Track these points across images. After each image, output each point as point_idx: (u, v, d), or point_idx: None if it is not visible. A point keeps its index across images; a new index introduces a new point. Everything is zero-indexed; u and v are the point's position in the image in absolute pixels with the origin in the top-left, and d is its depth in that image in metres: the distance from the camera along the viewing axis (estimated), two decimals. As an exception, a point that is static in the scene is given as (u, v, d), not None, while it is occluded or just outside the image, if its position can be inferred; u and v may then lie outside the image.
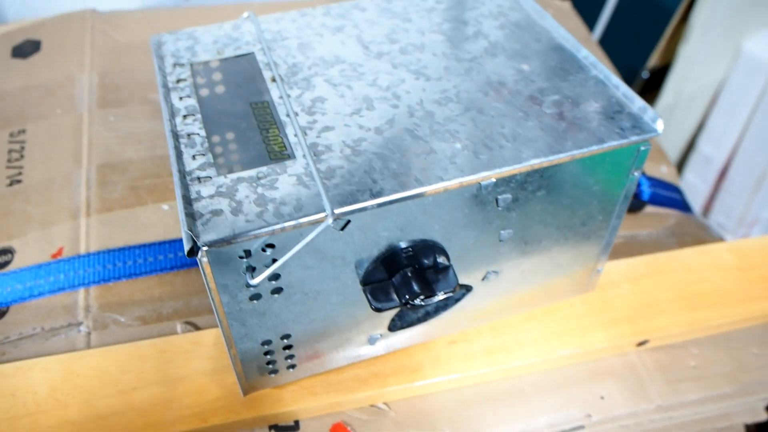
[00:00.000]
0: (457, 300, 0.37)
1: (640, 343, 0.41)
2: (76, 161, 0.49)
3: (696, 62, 0.92)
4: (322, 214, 0.27)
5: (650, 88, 0.96)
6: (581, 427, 0.40)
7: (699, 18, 0.88)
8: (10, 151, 0.51)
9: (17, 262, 0.44)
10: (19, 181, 0.48)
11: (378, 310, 0.32)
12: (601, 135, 0.31)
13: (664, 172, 0.58)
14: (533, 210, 0.33)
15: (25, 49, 0.59)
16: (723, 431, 0.53)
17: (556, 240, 0.36)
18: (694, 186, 1.12)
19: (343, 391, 0.37)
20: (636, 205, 0.52)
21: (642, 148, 0.32)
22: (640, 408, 0.41)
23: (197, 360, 0.37)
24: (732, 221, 1.11)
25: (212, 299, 0.29)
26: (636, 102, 0.33)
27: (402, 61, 0.36)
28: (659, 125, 0.32)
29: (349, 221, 0.28)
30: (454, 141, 0.31)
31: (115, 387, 0.36)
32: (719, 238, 0.53)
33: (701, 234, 0.54)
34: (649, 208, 0.54)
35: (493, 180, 0.30)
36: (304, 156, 0.30)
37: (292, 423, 0.37)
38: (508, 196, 0.31)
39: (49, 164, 0.49)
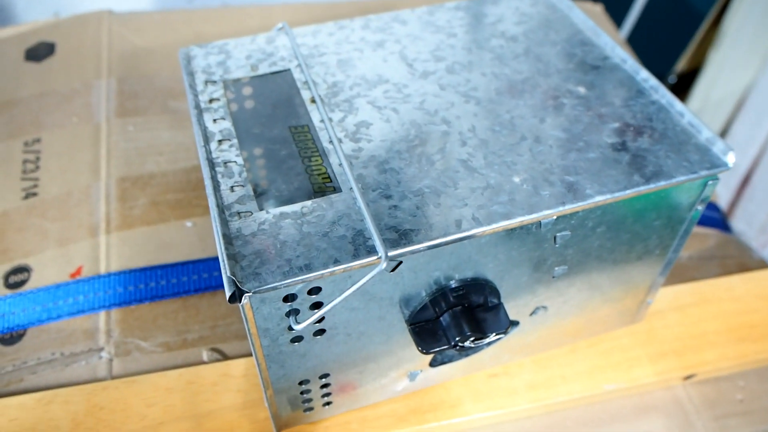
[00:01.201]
0: (503, 335, 0.35)
1: (687, 377, 0.40)
2: (94, 174, 0.47)
3: (725, 68, 0.90)
4: (374, 257, 0.25)
5: (677, 93, 0.94)
6: (625, 465, 0.39)
7: (732, 23, 0.86)
8: (24, 162, 0.48)
9: (34, 282, 0.42)
10: (34, 194, 0.46)
11: (425, 352, 0.30)
12: (668, 169, 0.29)
13: (702, 188, 0.56)
14: (591, 246, 0.31)
15: (39, 51, 0.56)
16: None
17: (610, 274, 0.34)
18: (716, 193, 1.10)
19: (379, 427, 0.35)
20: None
21: (710, 182, 0.30)
22: (686, 446, 0.39)
23: (227, 393, 0.36)
24: (753, 229, 1.08)
25: (252, 342, 0.27)
26: (703, 132, 0.31)
27: (449, 81, 0.34)
28: (730, 159, 0.30)
29: (400, 262, 0.26)
30: (511, 174, 0.29)
31: (141, 421, 0.34)
32: (761, 260, 0.51)
33: (743, 257, 0.51)
34: (688, 228, 0.52)
35: (554, 218, 0.28)
36: (351, 189, 0.28)
37: (325, 460, 0.35)
38: (567, 233, 0.29)
39: (66, 176, 0.47)
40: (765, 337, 0.41)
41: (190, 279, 0.42)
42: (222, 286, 0.42)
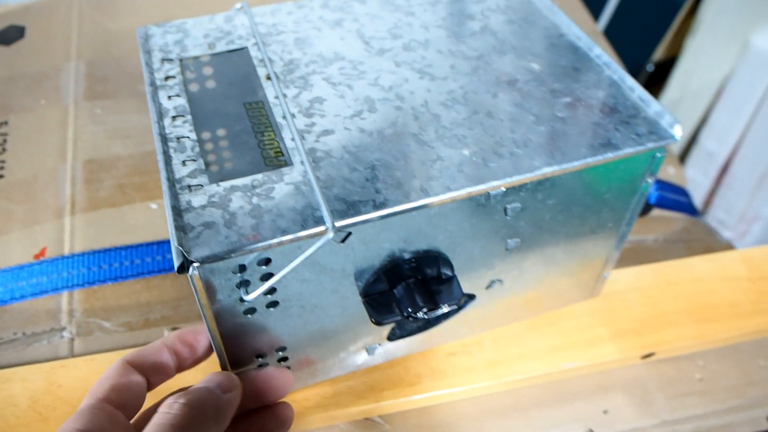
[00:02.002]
0: (460, 309, 0.35)
1: (646, 356, 0.40)
2: (61, 156, 0.47)
3: (702, 56, 0.90)
4: (322, 228, 0.26)
5: (655, 82, 0.94)
6: (583, 442, 0.39)
7: (708, 11, 0.86)
8: (-9, 144, 0.48)
9: (-2, 263, 0.42)
10: (1, 177, 0.46)
11: (379, 323, 0.30)
12: (616, 141, 0.30)
13: (672, 173, 0.56)
14: (542, 218, 0.32)
15: (9, 35, 0.56)
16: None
17: (564, 247, 0.35)
18: (696, 181, 1.11)
19: (336, 404, 0.35)
20: (643, 209, 0.51)
21: (658, 154, 0.31)
22: (643, 423, 0.39)
23: (185, 371, 0.36)
24: (732, 218, 1.09)
25: (204, 314, 0.27)
26: (652, 105, 0.31)
27: (405, 58, 0.34)
28: (677, 131, 0.30)
29: (350, 233, 0.27)
30: (462, 147, 0.29)
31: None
32: (728, 244, 0.51)
33: (709, 240, 0.52)
34: (656, 212, 0.52)
35: (503, 189, 0.28)
36: (302, 162, 0.28)
37: (284, 437, 0.35)
38: (518, 205, 0.30)
39: (33, 159, 0.47)
40: (725, 318, 0.41)
41: (153, 260, 0.42)
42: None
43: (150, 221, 0.44)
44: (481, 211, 0.29)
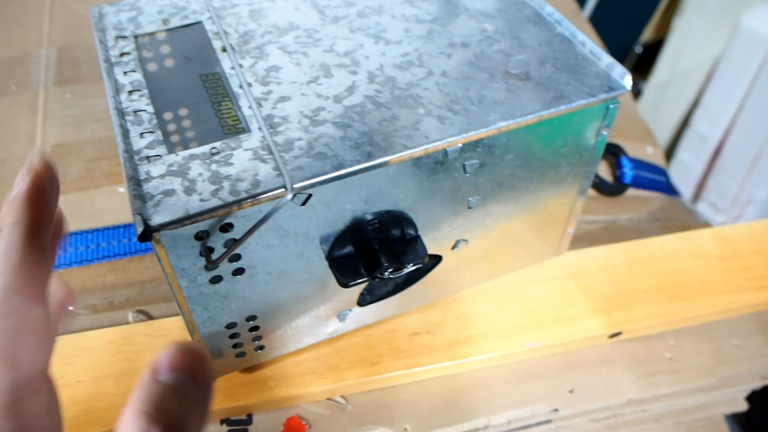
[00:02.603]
0: (428, 271, 0.36)
1: (613, 335, 0.40)
2: (30, 141, 0.47)
3: (691, 37, 0.89)
4: (281, 190, 0.26)
5: (644, 64, 0.93)
6: (548, 421, 0.39)
7: (695, -10, 0.85)
8: (-39, 130, 0.48)
9: (-35, 248, 0.42)
10: (-31, 162, 0.46)
11: (345, 285, 0.30)
12: (568, 94, 0.30)
13: (650, 153, 0.56)
14: (501, 174, 0.32)
15: (-19, 21, 0.56)
16: (701, 422, 0.51)
17: (526, 204, 0.35)
18: (688, 165, 1.10)
19: (297, 385, 0.35)
20: (617, 188, 0.50)
21: (611, 106, 0.32)
22: (610, 402, 0.39)
23: (147, 352, 0.36)
24: (726, 201, 1.08)
25: (170, 284, 0.27)
26: (603, 58, 0.32)
27: (360, 24, 0.34)
28: (627, 81, 0.31)
29: (310, 195, 0.27)
30: (417, 107, 0.30)
31: (59, 380, 0.34)
32: (705, 223, 0.51)
33: (687, 219, 0.51)
34: (632, 192, 0.52)
35: (459, 145, 0.29)
36: (259, 129, 0.28)
37: (245, 417, 0.35)
38: (476, 161, 0.30)
39: (2, 144, 0.47)
40: (695, 296, 0.41)
41: (119, 243, 0.42)
42: (150, 249, 0.42)
43: (117, 205, 0.44)
44: (440, 169, 0.30)
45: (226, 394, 0.35)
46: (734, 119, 1.00)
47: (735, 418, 0.99)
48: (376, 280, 0.31)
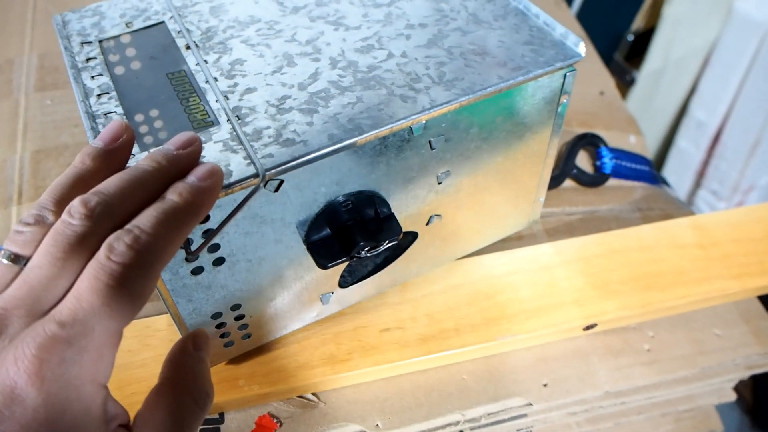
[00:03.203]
0: (405, 248, 0.36)
1: (587, 327, 0.39)
2: (11, 148, 0.48)
3: (684, 23, 0.88)
4: (253, 178, 0.27)
5: (637, 53, 0.92)
6: (523, 415, 0.39)
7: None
8: (-56, 139, 0.49)
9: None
10: (-49, 170, 0.47)
11: (324, 267, 0.31)
12: (525, 65, 0.31)
13: (633, 142, 0.55)
14: (468, 148, 0.33)
15: (-35, 30, 0.56)
16: (689, 413, 0.51)
17: (495, 175, 0.36)
18: (687, 153, 1.08)
19: (268, 383, 0.35)
20: (597, 179, 0.50)
21: (568, 73, 0.33)
22: (585, 395, 0.39)
23: (130, 353, 0.36)
24: (726, 189, 1.07)
25: None
26: (557, 28, 0.33)
27: (319, 13, 0.35)
28: (581, 48, 0.32)
29: (282, 182, 0.28)
30: (380, 88, 0.30)
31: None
32: (689, 213, 0.50)
33: (669, 208, 0.51)
34: (614, 182, 0.51)
35: (424, 122, 0.30)
36: (228, 121, 0.29)
37: (216, 416, 0.36)
38: (441, 137, 0.31)
39: (-17, 151, 0.48)
40: (671, 286, 0.41)
41: (95, 246, 0.42)
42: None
43: (94, 209, 0.44)
44: (407, 147, 0.31)
45: (197, 394, 0.35)
46: (732, 105, 0.99)
47: (741, 406, 0.98)
48: (354, 259, 0.31)
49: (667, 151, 1.10)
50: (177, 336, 0.36)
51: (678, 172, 1.10)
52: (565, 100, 0.34)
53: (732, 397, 0.50)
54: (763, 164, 1.01)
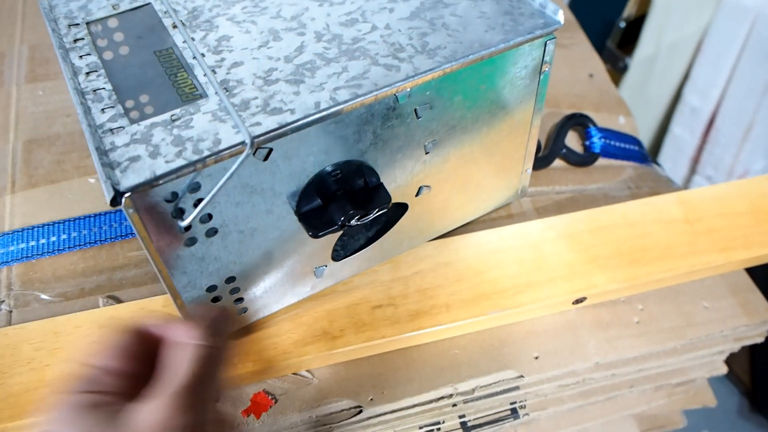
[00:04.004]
0: (396, 221, 0.37)
1: (577, 301, 0.40)
2: (3, 138, 0.48)
3: (675, 9, 0.88)
4: (241, 145, 0.27)
5: (629, 39, 0.92)
6: (515, 388, 0.39)
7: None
8: (-62, 131, 0.49)
9: (-58, 243, 0.43)
10: (-54, 161, 0.47)
11: (315, 236, 0.32)
12: (506, 33, 0.32)
13: (622, 123, 0.55)
14: (453, 117, 0.34)
15: (-43, 25, 0.57)
16: (682, 386, 0.51)
17: (481, 145, 0.37)
18: (682, 139, 1.09)
19: (261, 361, 0.36)
20: (587, 158, 0.50)
21: (548, 42, 0.33)
22: (576, 367, 0.39)
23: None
24: (721, 174, 1.07)
25: (146, 250, 0.28)
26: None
27: None
28: (560, 16, 0.33)
29: (271, 150, 0.28)
30: (365, 58, 0.31)
31: (28, 365, 0.35)
32: (677, 189, 0.51)
33: (659, 186, 0.51)
34: (603, 161, 0.51)
35: (408, 89, 0.30)
36: (216, 93, 0.30)
37: (211, 394, 0.36)
38: (426, 105, 0.32)
39: (-24, 142, 0.48)
40: (657, 260, 0.41)
41: (90, 232, 0.43)
42: (120, 236, 0.43)
43: (87, 196, 0.45)
44: (393, 115, 0.31)
45: (192, 372, 0.35)
46: (725, 91, 0.99)
47: (739, 389, 0.98)
48: (346, 228, 0.32)
49: (662, 138, 1.10)
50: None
51: (673, 159, 1.10)
52: (546, 69, 0.35)
53: (723, 370, 0.51)
54: (757, 148, 1.01)
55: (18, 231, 0.43)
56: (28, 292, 0.40)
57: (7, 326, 0.38)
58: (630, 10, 0.89)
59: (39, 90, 0.51)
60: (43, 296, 0.40)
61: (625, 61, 0.93)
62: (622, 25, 0.90)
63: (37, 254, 0.42)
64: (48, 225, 0.43)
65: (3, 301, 0.40)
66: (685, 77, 1.01)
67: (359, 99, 0.29)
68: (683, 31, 0.93)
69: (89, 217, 0.43)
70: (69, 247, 0.42)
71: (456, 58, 0.31)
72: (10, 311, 0.39)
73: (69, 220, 0.43)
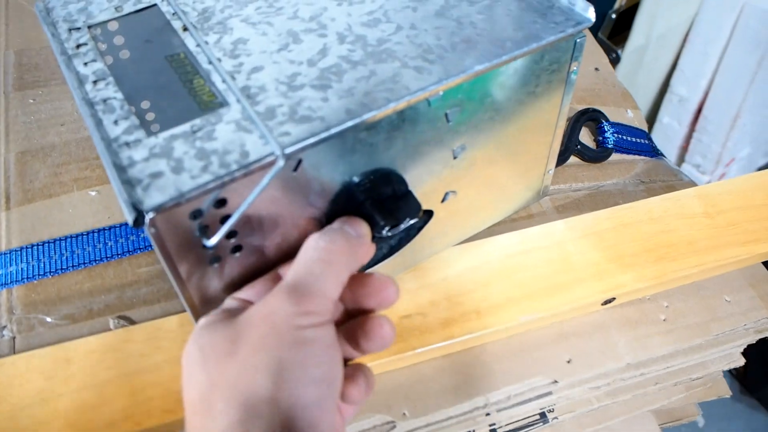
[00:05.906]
0: (420, 228, 0.36)
1: (606, 302, 0.39)
2: (-7, 150, 0.45)
3: (664, 1, 0.88)
4: (271, 157, 0.25)
5: (620, 30, 0.92)
6: (548, 393, 0.38)
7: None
8: None
9: (-67, 266, 0.40)
10: (-69, 177, 0.44)
11: None
12: (537, 32, 0.31)
13: (631, 116, 0.55)
14: (482, 120, 0.33)
15: (-67, 31, 0.54)
16: (700, 380, 0.51)
17: (507, 146, 0.36)
18: (670, 128, 1.09)
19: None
20: (601, 154, 0.49)
21: (578, 39, 0.33)
22: (608, 368, 0.39)
23: (131, 358, 0.35)
24: (709, 162, 1.08)
25: (168, 269, 0.26)
26: None
27: None
28: (591, 13, 0.31)
29: (300, 160, 0.26)
30: (393, 60, 0.29)
31: (38, 395, 0.33)
32: (690, 182, 0.50)
33: (671, 179, 0.51)
34: (615, 156, 0.51)
35: (441, 93, 0.29)
36: (237, 101, 0.28)
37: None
38: (457, 108, 0.31)
39: (-36, 156, 0.45)
40: (683, 255, 0.41)
41: (94, 248, 0.40)
42: (128, 252, 0.40)
43: (89, 209, 0.42)
44: (424, 121, 0.30)
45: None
46: (712, 80, 1.00)
47: (731, 371, 0.99)
48: (374, 239, 0.30)
49: (651, 128, 1.11)
50: (188, 337, 0.35)
51: (662, 148, 1.11)
52: (575, 68, 0.34)
53: (741, 361, 0.50)
54: (744, 136, 1.03)
55: (16, 250, 0.40)
56: (31, 316, 0.38)
57: (13, 354, 0.36)
58: (621, 1, 0.89)
59: (29, 98, 0.48)
60: (48, 319, 0.38)
61: (617, 51, 0.93)
62: (614, 16, 0.90)
63: (39, 274, 0.39)
64: (49, 242, 0.40)
65: (5, 326, 0.37)
66: (673, 67, 1.02)
67: (392, 105, 0.27)
68: (672, 21, 0.93)
69: (93, 232, 0.41)
70: (73, 266, 0.40)
71: (489, 59, 0.29)
72: (14, 337, 0.37)
73: (71, 237, 0.41)
